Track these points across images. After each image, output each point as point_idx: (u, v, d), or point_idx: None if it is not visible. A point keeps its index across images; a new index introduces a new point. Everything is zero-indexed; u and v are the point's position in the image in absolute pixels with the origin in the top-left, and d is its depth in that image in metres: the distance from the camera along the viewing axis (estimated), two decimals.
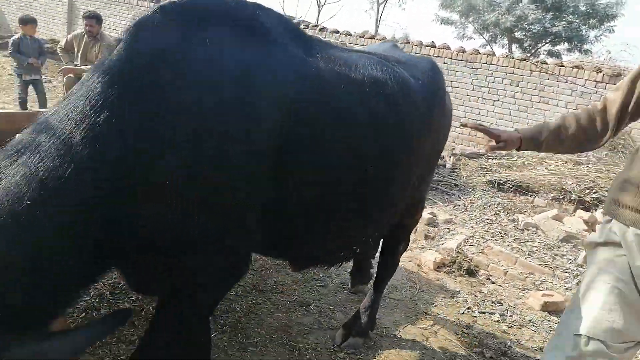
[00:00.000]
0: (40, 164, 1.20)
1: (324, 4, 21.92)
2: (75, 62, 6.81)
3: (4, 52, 11.10)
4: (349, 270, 3.67)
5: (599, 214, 5.74)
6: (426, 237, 4.90)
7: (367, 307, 2.86)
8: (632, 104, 1.66)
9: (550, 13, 18.02)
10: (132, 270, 1.61)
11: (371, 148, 1.91)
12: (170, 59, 1.39)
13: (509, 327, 3.38)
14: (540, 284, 4.18)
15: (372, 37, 10.64)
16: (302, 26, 11.49)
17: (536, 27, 18.53)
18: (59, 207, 1.19)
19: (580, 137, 1.80)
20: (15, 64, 7.66)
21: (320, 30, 11.41)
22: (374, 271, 3.35)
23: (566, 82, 8.33)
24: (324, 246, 2.07)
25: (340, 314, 3.18)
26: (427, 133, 2.25)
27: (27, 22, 7.28)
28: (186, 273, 1.53)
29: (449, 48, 9.51)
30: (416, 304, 3.56)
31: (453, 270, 4.22)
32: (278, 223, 1.73)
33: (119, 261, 1.50)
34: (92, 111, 1.27)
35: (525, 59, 8.92)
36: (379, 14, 22.64)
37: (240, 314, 2.93)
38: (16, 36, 7.42)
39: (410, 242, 4.67)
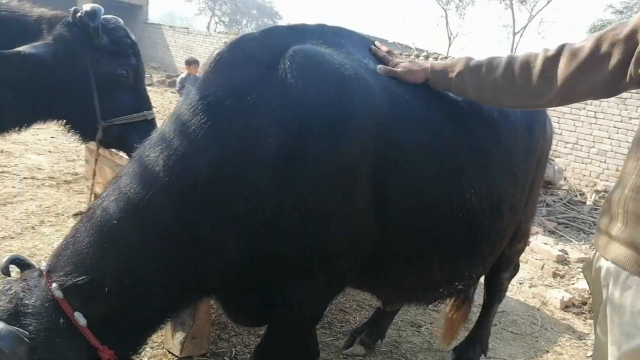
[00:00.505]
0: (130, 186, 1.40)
1: (455, 36, 21.76)
2: None
3: (172, 89, 13.18)
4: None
5: None
6: (555, 275, 4.60)
7: (476, 336, 2.84)
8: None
9: None
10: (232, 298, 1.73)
11: (472, 174, 1.80)
12: (246, 97, 1.43)
13: None
14: None
15: None
16: (430, 58, 11.62)
17: None
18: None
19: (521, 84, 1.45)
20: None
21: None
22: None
23: None
24: (420, 281, 1.97)
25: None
26: (528, 159, 2.14)
27: (191, 63, 8.57)
28: (290, 290, 1.60)
29: None
30: (537, 341, 3.39)
31: (583, 312, 3.92)
32: (376, 252, 1.71)
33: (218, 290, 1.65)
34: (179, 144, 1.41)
35: None
36: (514, 44, 21.74)
37: (354, 325, 3.11)
38: (182, 75, 8.78)
39: (537, 279, 4.47)
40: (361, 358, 2.76)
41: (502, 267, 2.60)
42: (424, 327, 3.29)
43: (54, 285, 1.32)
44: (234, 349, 2.59)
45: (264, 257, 1.50)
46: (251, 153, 1.41)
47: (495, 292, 2.75)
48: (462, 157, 1.79)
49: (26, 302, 1.29)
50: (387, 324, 2.93)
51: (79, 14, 2.12)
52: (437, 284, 2.03)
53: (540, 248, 4.92)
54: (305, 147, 1.44)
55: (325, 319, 3.14)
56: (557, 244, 5.09)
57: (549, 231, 5.85)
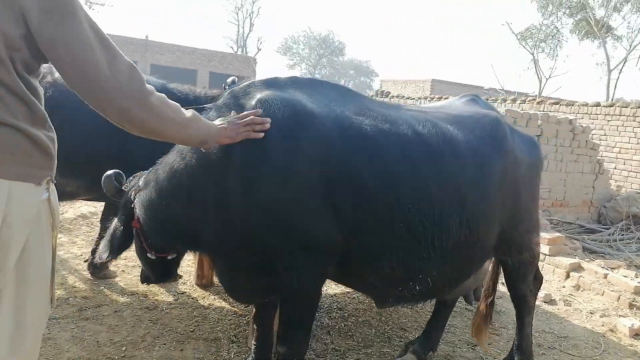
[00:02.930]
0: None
1: (549, 78, 21.25)
2: None
3: None
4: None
5: None
6: (631, 306, 4.55)
7: (517, 347, 3.11)
8: None
9: None
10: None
11: (410, 192, 2.23)
12: None
13: None
14: None
15: (597, 105, 10.13)
16: (518, 101, 11.68)
17: None
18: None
19: None
20: None
21: (538, 103, 11.40)
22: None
23: None
24: (380, 280, 2.37)
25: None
26: (488, 183, 2.45)
27: None
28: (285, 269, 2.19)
29: None
30: None
31: None
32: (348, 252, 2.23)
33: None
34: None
35: None
36: (610, 80, 20.71)
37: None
38: None
39: (611, 309, 4.48)
40: None
41: (514, 278, 2.92)
42: (479, 346, 3.60)
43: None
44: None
45: (240, 240, 2.16)
46: (229, 164, 2.07)
47: (519, 304, 3.03)
48: (402, 178, 2.23)
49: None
50: (438, 338, 3.33)
51: None
52: (396, 284, 2.42)
53: (617, 280, 4.89)
54: (264, 164, 2.04)
55: (385, 334, 3.62)
56: (637, 277, 4.99)
57: (635, 266, 5.68)
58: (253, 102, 2.14)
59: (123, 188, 2.42)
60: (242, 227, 2.13)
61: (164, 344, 3.13)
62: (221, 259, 2.33)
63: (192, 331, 3.34)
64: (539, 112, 7.05)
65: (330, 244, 2.20)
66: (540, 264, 5.47)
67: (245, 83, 2.32)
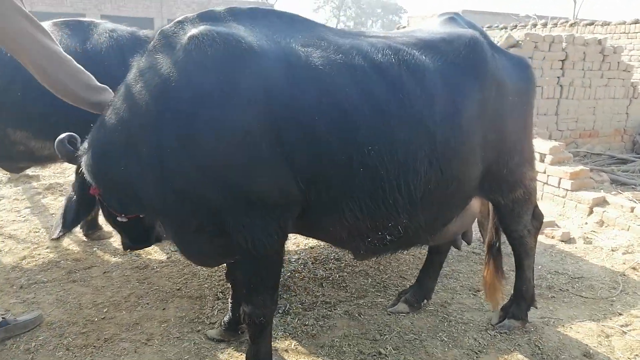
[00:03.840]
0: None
1: None
2: None
3: None
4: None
5: None
6: None
7: (517, 291, 2.88)
8: None
9: None
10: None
11: (369, 132, 1.96)
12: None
13: None
14: None
15: (636, 22, 9.18)
16: (549, 25, 10.77)
17: None
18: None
19: None
20: None
21: (570, 25, 10.47)
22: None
23: None
24: (346, 230, 2.14)
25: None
26: (462, 116, 2.15)
27: None
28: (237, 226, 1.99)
29: None
30: (612, 305, 3.24)
31: None
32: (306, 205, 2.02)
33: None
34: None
35: None
36: None
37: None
38: None
39: (636, 245, 4.13)
40: (405, 315, 3.02)
41: (507, 219, 2.64)
42: (482, 291, 3.39)
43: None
44: (288, 304, 3.08)
45: (183, 195, 1.94)
46: (159, 117, 1.86)
47: (516, 247, 2.77)
48: (358, 117, 1.96)
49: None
50: (432, 286, 3.13)
51: None
52: (363, 235, 2.18)
53: None
54: (199, 111, 1.83)
55: (382, 283, 3.45)
56: None
57: None
58: (185, 40, 1.90)
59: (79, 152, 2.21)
60: (183, 186, 1.92)
61: (147, 303, 3.07)
62: (169, 221, 2.14)
63: (178, 289, 3.27)
64: (563, 34, 6.37)
65: (283, 197, 1.98)
66: (561, 200, 5.13)
67: (178, 18, 2.05)
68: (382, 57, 2.06)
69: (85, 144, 2.12)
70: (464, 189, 2.30)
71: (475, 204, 2.62)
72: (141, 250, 3.86)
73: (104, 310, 2.97)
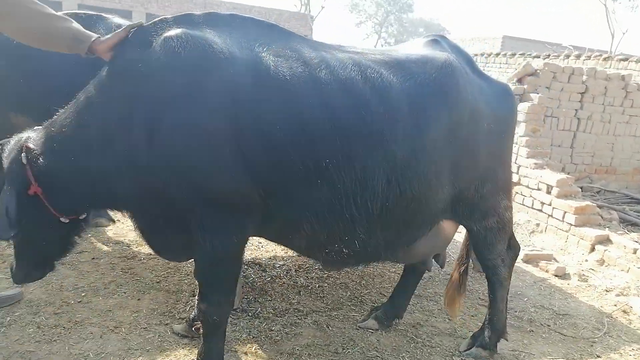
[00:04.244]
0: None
1: (625, 32, 18.97)
2: None
3: None
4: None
5: None
6: None
7: (488, 321, 2.83)
8: None
9: None
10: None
11: (329, 145, 1.99)
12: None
13: None
14: None
15: None
16: (583, 57, 10.55)
17: None
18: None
19: None
20: None
21: (604, 59, 10.23)
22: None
23: None
24: (307, 241, 2.18)
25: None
26: (428, 138, 2.16)
27: None
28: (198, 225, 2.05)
29: None
30: (592, 346, 3.14)
31: None
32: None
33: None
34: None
35: None
36: None
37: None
38: None
39: (633, 288, 3.99)
40: (373, 332, 3.01)
41: (480, 246, 2.60)
42: (460, 317, 3.34)
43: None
44: (260, 308, 3.12)
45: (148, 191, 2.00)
46: (128, 116, 1.92)
47: (489, 275, 2.72)
48: (318, 130, 1.99)
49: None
50: (404, 305, 3.11)
51: None
52: (320, 246, 2.22)
53: None
54: (167, 111, 1.89)
55: (359, 298, 3.45)
56: None
57: None
58: (159, 40, 1.98)
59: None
60: (150, 183, 1.99)
61: (125, 292, 3.17)
62: (136, 215, 2.21)
63: (158, 282, 3.36)
64: (585, 67, 6.24)
65: (243, 202, 2.03)
66: (564, 234, 5.01)
67: (157, 18, 2.12)
68: (348, 72, 2.09)
69: (31, 142, 2.06)
70: (427, 211, 2.30)
71: (448, 227, 2.60)
72: (132, 241, 4.00)
73: (82, 294, 3.07)
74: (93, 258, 3.63)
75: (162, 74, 1.92)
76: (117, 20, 3.54)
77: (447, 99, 2.22)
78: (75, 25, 2.01)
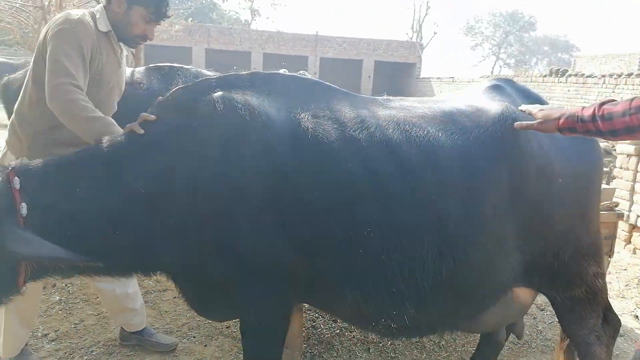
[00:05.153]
0: None
1: None
2: None
3: None
4: None
5: None
6: None
7: None
8: None
9: None
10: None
11: (372, 214, 1.85)
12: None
13: None
14: None
15: None
16: None
17: None
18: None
19: None
20: None
21: None
22: None
23: None
24: (350, 310, 2.01)
25: None
26: (485, 200, 1.90)
27: None
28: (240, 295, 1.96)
29: None
30: None
31: None
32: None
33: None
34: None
35: None
36: None
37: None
38: None
39: None
40: None
41: (567, 320, 2.20)
42: None
43: (16, 178, 1.77)
44: None
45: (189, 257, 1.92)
46: (170, 180, 1.86)
47: (581, 355, 2.25)
48: (360, 197, 1.85)
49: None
50: None
51: None
52: (365, 318, 2.04)
53: None
54: (204, 175, 1.84)
55: None
56: None
57: None
58: (203, 103, 1.96)
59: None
60: (192, 247, 1.92)
61: (194, 336, 3.24)
62: (175, 278, 2.15)
63: (227, 327, 3.37)
64: None
65: (284, 271, 1.93)
66: None
67: (202, 79, 2.16)
68: (392, 132, 1.93)
69: (25, 179, 1.80)
70: (490, 282, 1.99)
71: (524, 295, 2.23)
72: None
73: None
74: (174, 297, 3.79)
75: (199, 138, 1.90)
76: (194, 70, 3.77)
77: (506, 156, 1.93)
78: (109, 123, 2.18)
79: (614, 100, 1.68)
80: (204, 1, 37.39)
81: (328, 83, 2.17)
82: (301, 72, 3.75)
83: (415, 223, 1.87)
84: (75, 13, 2.41)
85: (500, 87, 2.23)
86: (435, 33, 44.34)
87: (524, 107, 1.97)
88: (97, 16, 2.43)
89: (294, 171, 1.86)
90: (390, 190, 1.87)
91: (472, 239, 1.90)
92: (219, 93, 1.97)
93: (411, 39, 41.07)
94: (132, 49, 2.81)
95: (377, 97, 2.20)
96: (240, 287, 1.96)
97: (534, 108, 1.88)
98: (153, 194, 1.88)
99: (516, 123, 1.89)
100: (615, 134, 1.64)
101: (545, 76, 17.62)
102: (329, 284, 1.97)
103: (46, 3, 8.54)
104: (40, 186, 1.81)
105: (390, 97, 2.22)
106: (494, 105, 2.06)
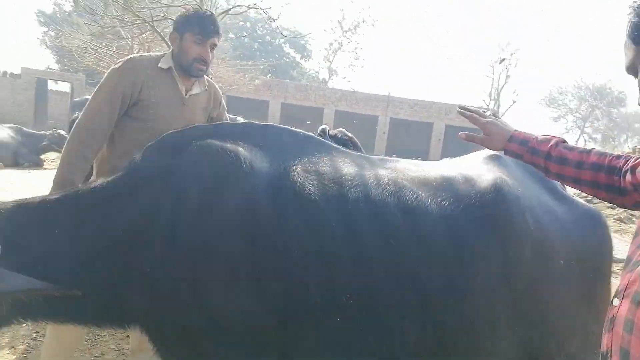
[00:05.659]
0: None
1: None
2: None
3: None
4: None
5: None
6: None
7: None
8: None
9: None
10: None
11: (347, 278, 1.72)
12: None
13: None
14: None
15: None
16: None
17: None
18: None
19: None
20: None
21: None
22: None
23: None
24: None
25: None
26: (475, 277, 1.73)
27: None
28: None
29: None
30: None
31: None
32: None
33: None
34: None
35: None
36: None
37: None
38: None
39: None
40: None
41: None
42: None
43: None
44: None
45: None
46: (149, 225, 1.77)
47: None
48: (338, 259, 1.72)
49: None
50: None
51: None
52: None
53: None
54: (181, 220, 1.74)
55: None
56: None
57: None
58: (189, 149, 1.90)
59: None
60: (165, 297, 1.80)
61: None
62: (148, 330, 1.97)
63: None
64: None
65: (256, 330, 1.79)
66: None
67: (191, 126, 2.15)
68: (381, 194, 1.81)
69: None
70: None
71: None
72: None
73: None
74: None
75: (181, 184, 1.84)
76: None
77: (497, 229, 1.78)
78: (69, 179, 2.39)
79: (565, 143, 1.56)
80: (287, 59, 39.86)
81: (320, 137, 2.16)
82: (323, 126, 3.73)
83: (396, 294, 1.73)
84: (139, 55, 2.64)
85: (499, 157, 2.11)
86: (514, 102, 43.47)
87: (466, 112, 1.73)
88: (163, 57, 2.63)
89: (273, 227, 1.77)
90: (369, 255, 1.75)
91: (458, 315, 1.74)
92: (209, 140, 1.93)
93: (488, 106, 40.53)
94: (201, 82, 2.79)
95: (371, 156, 2.14)
96: (209, 342, 1.81)
97: (480, 118, 1.66)
98: (129, 238, 1.81)
99: (460, 133, 1.68)
100: (562, 179, 1.54)
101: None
102: (305, 350, 1.82)
103: (135, 52, 9.56)
104: (15, 227, 1.75)
105: (387, 158, 2.17)
106: (488, 176, 1.94)
